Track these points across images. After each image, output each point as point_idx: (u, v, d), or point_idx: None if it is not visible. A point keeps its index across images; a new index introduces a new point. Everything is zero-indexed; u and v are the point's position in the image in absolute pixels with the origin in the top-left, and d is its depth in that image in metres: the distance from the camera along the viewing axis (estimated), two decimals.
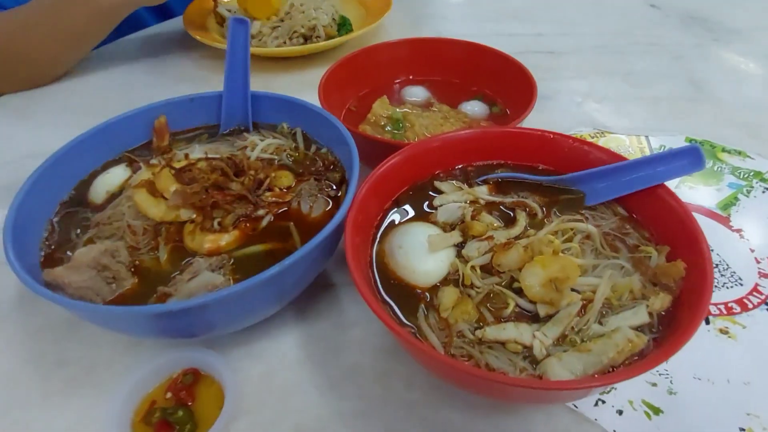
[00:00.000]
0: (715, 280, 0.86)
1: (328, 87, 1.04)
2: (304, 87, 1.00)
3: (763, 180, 1.07)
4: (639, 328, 0.62)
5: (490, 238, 0.71)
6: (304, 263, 0.67)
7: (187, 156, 0.83)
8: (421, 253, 0.70)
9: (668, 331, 0.61)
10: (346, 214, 0.70)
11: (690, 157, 0.72)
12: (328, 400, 0.73)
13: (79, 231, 0.77)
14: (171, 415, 0.68)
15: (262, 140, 0.91)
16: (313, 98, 0.98)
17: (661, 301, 0.63)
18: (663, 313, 0.64)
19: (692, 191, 1.05)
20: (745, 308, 0.83)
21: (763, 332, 0.79)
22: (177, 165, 0.78)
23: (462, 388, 0.66)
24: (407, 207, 0.81)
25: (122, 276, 0.68)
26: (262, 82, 1.44)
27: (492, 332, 0.61)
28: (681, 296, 0.65)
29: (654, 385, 0.73)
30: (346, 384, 0.75)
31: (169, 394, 0.72)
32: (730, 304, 0.83)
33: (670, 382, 0.73)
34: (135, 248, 0.73)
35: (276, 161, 0.88)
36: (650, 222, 0.75)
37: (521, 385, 0.55)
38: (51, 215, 0.79)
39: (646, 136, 1.20)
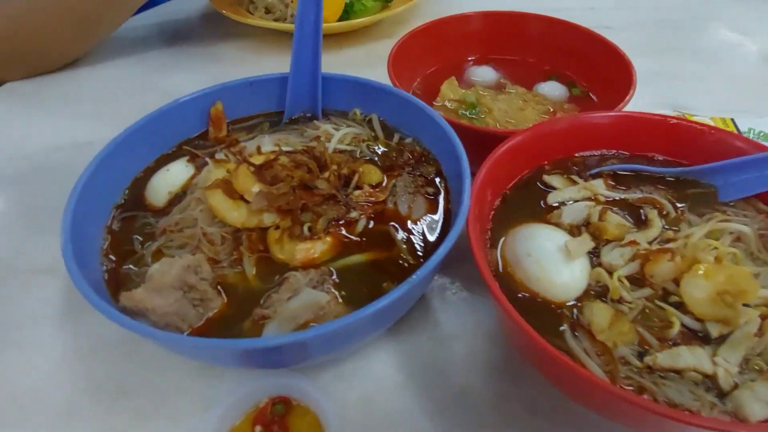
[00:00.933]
0: None
1: (397, 64, 0.92)
2: (344, 67, 0.88)
3: None
4: None
5: (633, 242, 0.61)
6: (425, 282, 0.57)
7: (259, 149, 0.71)
8: (557, 261, 0.60)
9: None
10: (466, 219, 0.59)
11: None
12: (441, 427, 0.64)
13: (142, 240, 0.65)
14: None
15: (336, 129, 0.79)
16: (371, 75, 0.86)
17: None
18: None
19: None
20: None
21: None
22: (255, 161, 0.66)
23: (630, 426, 0.56)
24: (515, 207, 0.71)
25: (209, 296, 0.57)
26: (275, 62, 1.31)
27: (665, 359, 0.52)
28: None
29: None
30: (458, 410, 0.66)
31: (258, 428, 0.62)
32: None
33: None
34: (215, 261, 0.62)
35: (357, 153, 0.77)
36: None
37: (725, 429, 0.46)
38: (107, 221, 0.68)
39: (732, 119, 1.11)
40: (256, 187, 0.63)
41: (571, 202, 0.69)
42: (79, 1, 1.17)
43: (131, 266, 0.62)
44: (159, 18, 1.53)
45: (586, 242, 0.61)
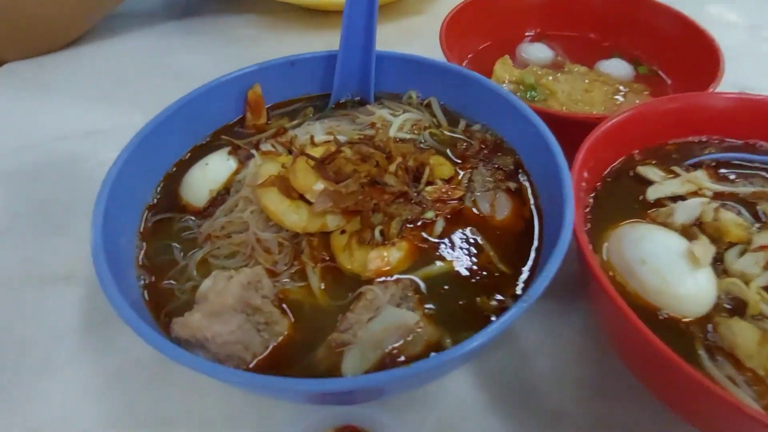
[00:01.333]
0: None
1: (450, 38, 0.81)
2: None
3: None
4: None
5: (765, 247, 0.52)
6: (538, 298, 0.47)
7: (312, 139, 0.61)
8: (680, 269, 0.51)
9: None
10: (573, 225, 0.50)
11: None
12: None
13: (181, 248, 0.55)
14: None
15: (393, 115, 0.69)
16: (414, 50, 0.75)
17: None
18: None
19: None
20: None
21: None
22: (317, 153, 0.56)
23: None
24: (610, 202, 0.61)
25: (274, 318, 0.47)
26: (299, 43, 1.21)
27: None
28: None
29: None
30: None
31: None
32: None
33: None
34: (272, 273, 0.52)
35: (420, 143, 0.67)
36: None
37: None
38: (138, 224, 0.58)
39: None
40: (319, 185, 0.54)
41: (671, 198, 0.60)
42: None
43: (172, 281, 0.52)
44: None
45: (710, 246, 0.52)
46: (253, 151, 0.61)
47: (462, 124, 0.70)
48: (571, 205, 0.51)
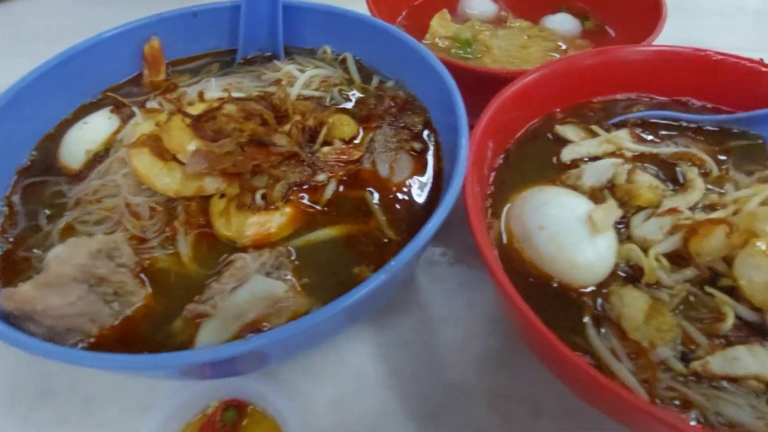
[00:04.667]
0: None
1: None
2: None
3: None
4: None
5: (674, 210, 0.48)
6: (409, 266, 0.44)
7: (201, 95, 0.56)
8: (578, 236, 0.47)
9: None
10: (463, 183, 0.46)
11: None
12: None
13: (50, 213, 0.51)
14: None
15: (300, 71, 0.64)
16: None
17: None
18: None
19: None
20: None
21: None
22: (193, 110, 0.52)
23: None
24: (520, 164, 0.57)
25: (128, 289, 0.44)
26: None
27: (720, 364, 0.40)
28: None
29: None
30: (450, 410, 0.55)
31: None
32: None
33: None
34: (141, 240, 0.48)
35: (327, 100, 0.63)
36: None
37: None
38: (6, 190, 0.53)
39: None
40: (193, 145, 0.49)
41: (587, 159, 0.56)
42: None
43: (35, 250, 0.48)
44: None
45: (613, 210, 0.48)
46: (135, 109, 0.56)
47: (375, 80, 0.65)
48: (462, 166, 0.47)
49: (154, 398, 0.54)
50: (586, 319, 0.44)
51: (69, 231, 0.50)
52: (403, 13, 0.88)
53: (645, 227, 0.48)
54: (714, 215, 0.48)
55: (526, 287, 0.47)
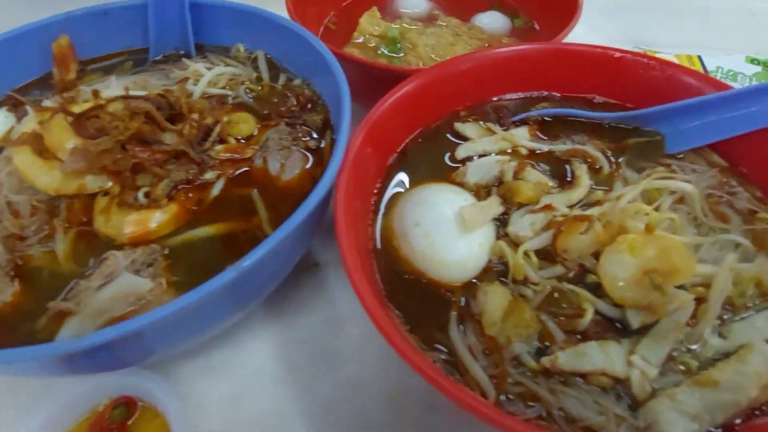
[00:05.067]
0: None
1: None
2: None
3: None
4: None
5: (548, 207, 0.49)
6: (276, 257, 0.44)
7: (96, 93, 0.57)
8: (451, 233, 0.47)
9: None
10: (336, 176, 0.46)
11: None
12: (322, 428, 0.53)
13: None
14: None
15: (209, 69, 0.65)
16: (277, 10, 0.71)
17: None
18: None
19: None
20: None
21: None
22: (78, 108, 0.52)
23: None
24: (417, 163, 0.57)
25: None
26: None
27: (567, 359, 0.40)
28: None
29: None
30: (344, 407, 0.55)
31: None
32: None
33: None
34: (19, 238, 0.49)
35: (230, 99, 0.63)
36: (760, 175, 0.54)
37: None
38: None
39: (699, 56, 0.96)
40: (72, 143, 0.49)
41: (478, 157, 0.56)
42: None
43: None
44: None
45: (488, 208, 0.48)
46: (29, 107, 0.57)
47: (283, 78, 0.65)
48: (335, 164, 0.47)
49: (49, 393, 0.54)
50: (453, 318, 0.45)
51: None
52: (332, 13, 0.87)
53: (517, 224, 0.48)
54: (586, 212, 0.48)
55: (399, 285, 0.47)
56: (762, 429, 0.36)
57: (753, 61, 0.96)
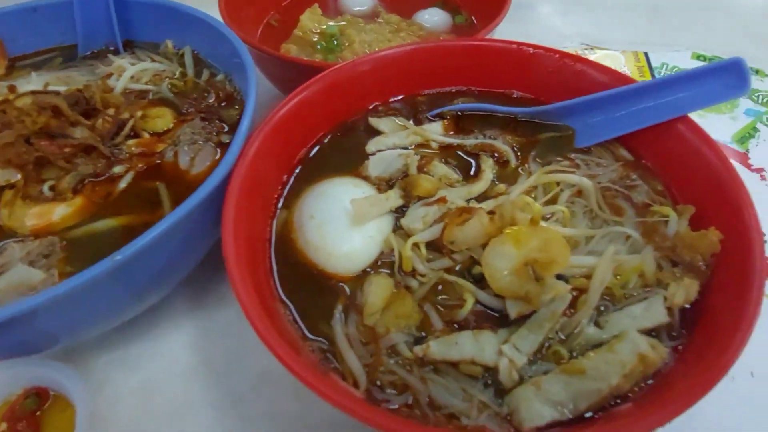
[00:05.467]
0: None
1: None
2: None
3: None
4: (653, 332, 0.43)
5: (442, 200, 0.49)
6: (170, 242, 0.45)
7: (13, 89, 0.57)
8: (342, 225, 0.48)
9: (698, 339, 0.41)
10: (231, 168, 0.47)
11: (727, 78, 0.50)
12: (231, 422, 0.54)
13: None
14: None
15: (133, 64, 0.65)
16: (214, 10, 0.72)
17: (685, 290, 0.43)
18: (688, 306, 0.44)
19: (702, 120, 0.82)
20: None
21: None
22: None
23: None
24: (330, 157, 0.58)
25: None
26: None
27: (439, 348, 0.41)
28: (714, 281, 0.45)
29: None
30: (254, 398, 0.56)
31: (3, 425, 0.52)
32: None
33: None
34: None
35: (151, 94, 0.63)
36: (667, 170, 0.54)
37: None
38: None
39: (645, 53, 0.97)
40: None
41: (389, 150, 0.56)
42: None
43: None
44: None
45: (379, 200, 0.49)
46: None
47: (206, 74, 0.66)
48: (232, 156, 0.48)
49: None
50: (338, 308, 0.45)
51: None
52: (272, 12, 0.88)
53: (410, 216, 0.49)
54: (481, 205, 0.49)
55: (293, 276, 0.48)
56: (618, 417, 0.36)
57: (699, 57, 0.97)
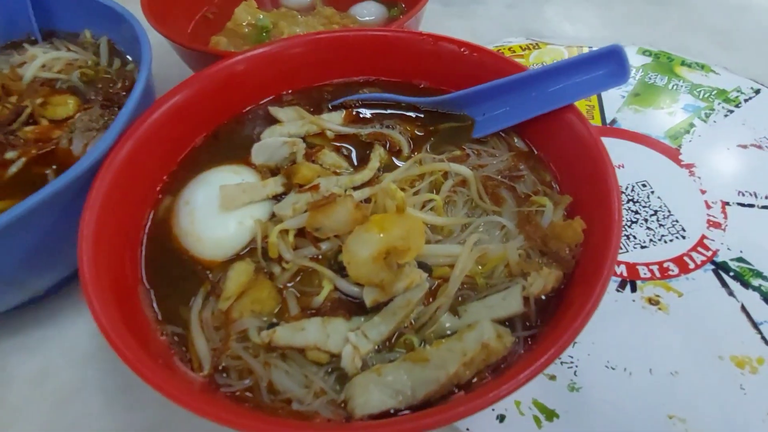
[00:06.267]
0: (652, 232, 0.66)
1: None
2: None
3: (727, 100, 0.85)
4: (507, 322, 0.42)
5: (315, 187, 0.49)
6: (34, 225, 0.45)
7: None
8: (212, 211, 0.48)
9: (548, 329, 0.41)
10: (105, 151, 0.47)
11: (610, 64, 0.49)
12: (116, 408, 0.54)
13: None
14: None
15: (45, 53, 0.66)
16: None
17: (544, 279, 0.43)
18: (545, 297, 0.43)
19: (638, 116, 0.83)
20: (684, 269, 0.63)
21: (702, 299, 0.60)
22: None
23: None
24: (225, 147, 0.58)
25: None
26: None
27: (284, 334, 0.41)
28: (576, 271, 0.44)
29: (552, 378, 0.54)
30: (142, 384, 0.56)
31: None
32: (666, 264, 0.63)
33: (574, 373, 0.54)
34: None
35: (59, 82, 0.64)
36: (555, 160, 0.54)
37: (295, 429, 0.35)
38: None
39: (590, 47, 0.96)
40: None
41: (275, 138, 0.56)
42: None
43: None
44: None
45: (251, 188, 0.49)
46: None
47: (117, 63, 0.66)
48: (111, 136, 0.48)
49: None
50: (200, 294, 0.45)
51: None
52: (208, 5, 0.88)
53: (282, 204, 0.49)
54: (356, 193, 0.49)
55: (162, 261, 0.48)
56: (451, 407, 0.36)
57: (645, 52, 0.96)
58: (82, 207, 0.44)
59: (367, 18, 0.85)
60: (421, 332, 0.42)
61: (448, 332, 0.42)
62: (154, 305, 0.44)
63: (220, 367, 0.40)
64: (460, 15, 1.02)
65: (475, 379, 0.39)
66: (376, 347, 0.41)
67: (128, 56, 0.68)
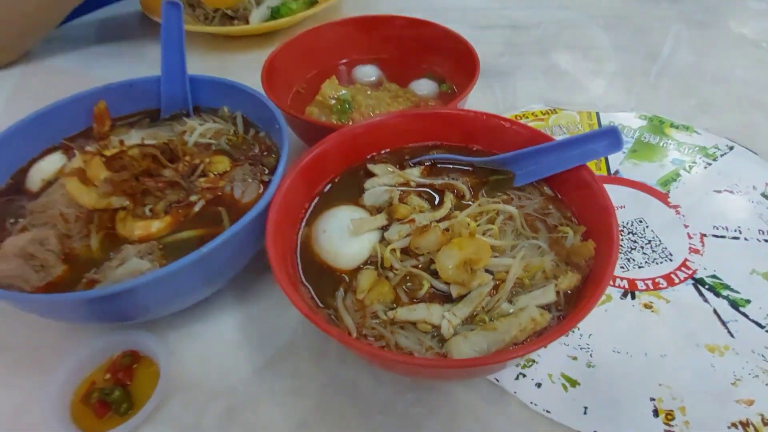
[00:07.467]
0: (647, 256, 0.89)
1: (271, 69, 1.03)
2: (249, 69, 1.01)
3: (706, 155, 1.08)
4: (546, 307, 0.64)
5: (412, 221, 0.73)
6: (230, 246, 0.69)
7: (122, 142, 0.84)
8: (345, 236, 0.72)
9: (570, 312, 0.63)
10: (270, 199, 0.71)
11: (609, 138, 0.73)
12: (263, 378, 0.76)
13: (13, 220, 0.78)
14: (108, 395, 0.71)
15: (201, 125, 0.92)
16: (255, 79, 0.98)
17: (569, 280, 0.66)
18: (570, 291, 0.66)
19: (636, 168, 1.07)
20: (671, 283, 0.85)
21: (684, 305, 0.82)
22: (109, 152, 0.79)
23: (379, 367, 0.69)
24: (339, 191, 0.82)
25: (51, 264, 0.69)
26: (203, 63, 1.45)
27: (403, 313, 0.64)
28: (590, 275, 0.67)
29: (574, 358, 0.75)
30: (281, 363, 0.78)
31: (107, 375, 0.74)
32: (657, 280, 0.86)
33: (590, 355, 0.76)
34: (67, 236, 0.74)
35: (213, 146, 0.89)
36: (573, 202, 0.77)
37: (421, 364, 0.58)
38: None
39: (597, 113, 1.21)
40: (104, 175, 0.76)
41: (378, 187, 0.80)
42: (19, 2, 1.29)
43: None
44: (99, 22, 1.66)
45: (370, 220, 0.73)
46: (76, 150, 0.84)
47: (252, 132, 0.92)
48: (272, 187, 0.72)
49: (67, 347, 0.78)
50: (340, 288, 0.68)
51: (23, 230, 0.76)
52: (299, 82, 1.15)
53: (390, 232, 0.72)
54: (434, 224, 0.72)
55: (312, 271, 0.71)
56: (510, 354, 0.58)
57: (641, 116, 1.21)
58: (263, 232, 0.68)
59: (424, 92, 1.10)
60: (489, 313, 0.64)
61: (506, 313, 0.64)
62: (313, 295, 0.67)
63: (362, 335, 0.63)
64: (490, 86, 1.28)
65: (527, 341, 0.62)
66: (462, 322, 0.63)
67: (258, 125, 0.93)
